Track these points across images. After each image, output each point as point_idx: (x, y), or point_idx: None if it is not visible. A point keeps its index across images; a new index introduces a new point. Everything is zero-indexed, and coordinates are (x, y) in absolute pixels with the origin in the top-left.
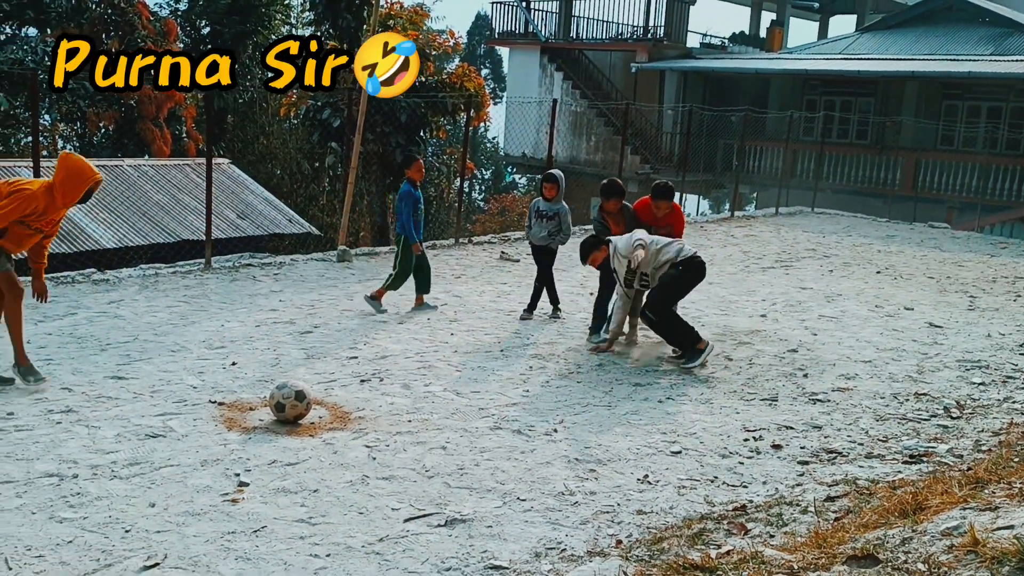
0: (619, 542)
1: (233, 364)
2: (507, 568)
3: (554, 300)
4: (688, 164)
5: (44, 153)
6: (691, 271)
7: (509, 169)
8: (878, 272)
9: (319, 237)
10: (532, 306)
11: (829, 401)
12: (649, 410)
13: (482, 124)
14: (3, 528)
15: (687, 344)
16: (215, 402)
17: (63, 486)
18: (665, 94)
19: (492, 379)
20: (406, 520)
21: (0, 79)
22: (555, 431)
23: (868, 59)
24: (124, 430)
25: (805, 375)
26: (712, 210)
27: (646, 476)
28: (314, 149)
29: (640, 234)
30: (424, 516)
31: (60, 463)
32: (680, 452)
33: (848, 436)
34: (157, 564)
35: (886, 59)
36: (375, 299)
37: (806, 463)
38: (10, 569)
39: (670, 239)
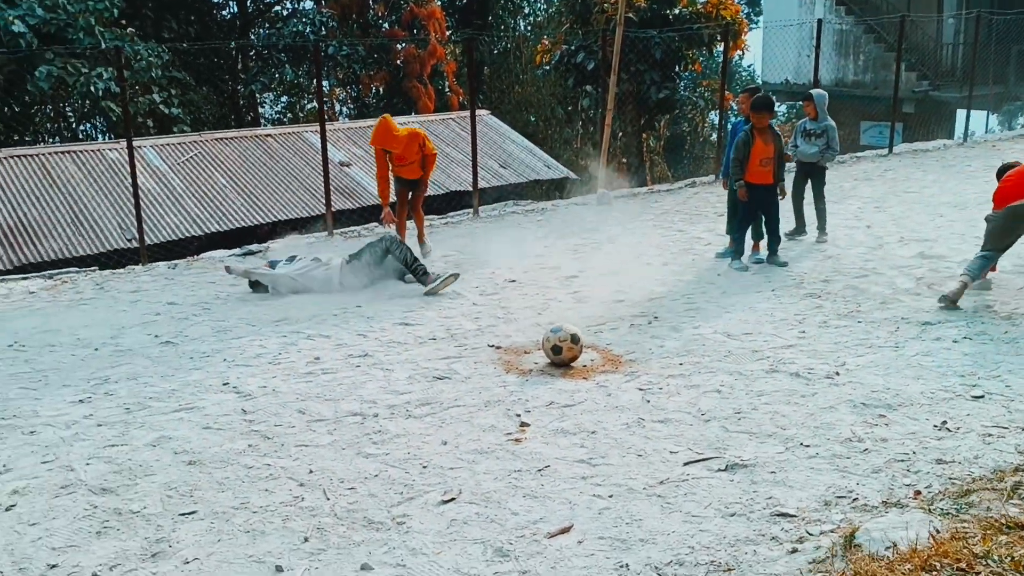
0: (917, 493)
1: (504, 309)
2: (795, 516)
3: (822, 224)
4: (974, 77)
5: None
6: None
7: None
8: None
9: (575, 181)
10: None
11: None
12: (942, 351)
13: (739, 52)
14: (320, 462)
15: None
16: (493, 346)
17: (366, 424)
18: (945, 1)
19: (764, 320)
20: (685, 464)
21: (285, 51)
22: (837, 374)
23: None
24: (414, 372)
25: None
26: (1001, 126)
27: (944, 423)
28: (567, 93)
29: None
30: (703, 460)
31: (362, 403)
32: (983, 397)
33: None
34: (453, 499)
35: None
36: (754, 251)
37: None
38: (328, 499)
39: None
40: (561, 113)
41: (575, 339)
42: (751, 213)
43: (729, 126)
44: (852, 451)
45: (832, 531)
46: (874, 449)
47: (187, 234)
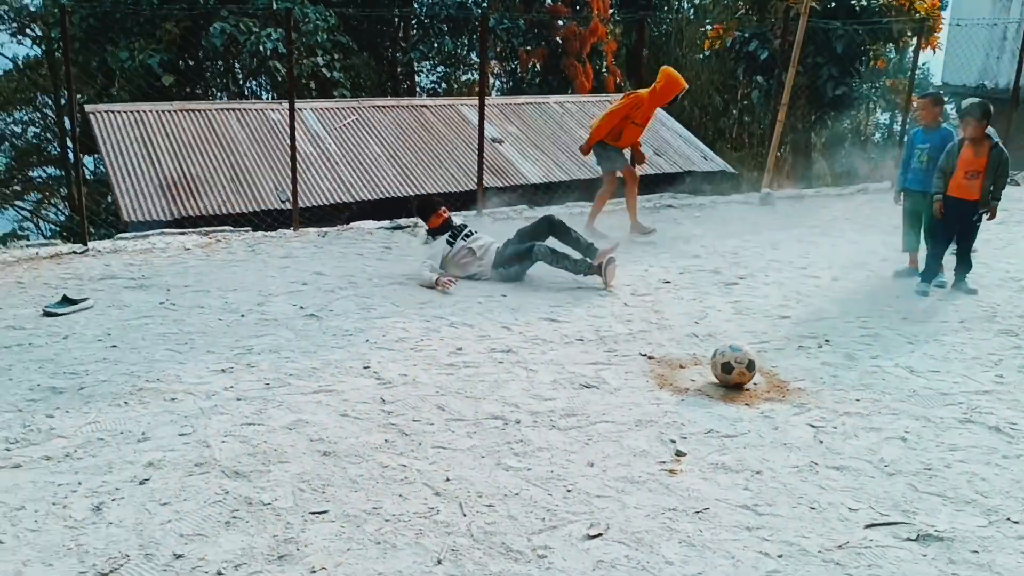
0: None
1: (657, 313)
2: None
3: None
4: None
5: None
6: None
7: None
8: None
9: (731, 175)
10: None
11: None
12: None
13: (929, 51)
14: (458, 469)
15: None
16: (645, 355)
17: (507, 431)
18: None
19: (953, 356)
20: (867, 526)
21: (446, 22)
22: None
23: None
24: (559, 376)
25: None
26: None
27: None
28: (728, 82)
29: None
30: (889, 524)
31: (503, 405)
32: None
33: None
34: (600, 534)
35: None
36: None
37: None
38: (464, 516)
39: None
40: (719, 102)
41: (751, 366)
42: (948, 230)
43: (907, 133)
44: None
45: None
46: None
47: (339, 200)
